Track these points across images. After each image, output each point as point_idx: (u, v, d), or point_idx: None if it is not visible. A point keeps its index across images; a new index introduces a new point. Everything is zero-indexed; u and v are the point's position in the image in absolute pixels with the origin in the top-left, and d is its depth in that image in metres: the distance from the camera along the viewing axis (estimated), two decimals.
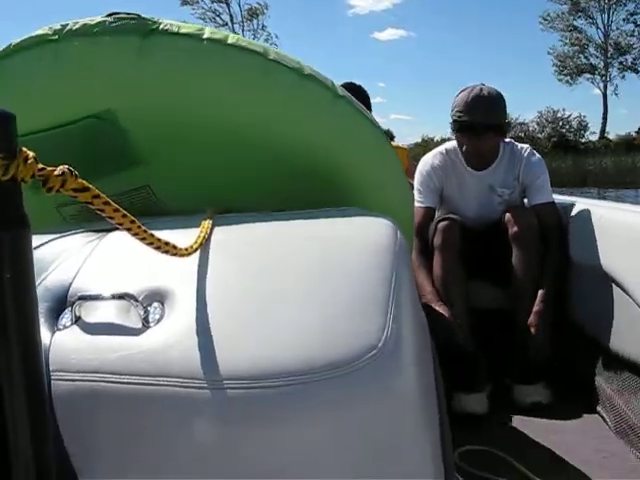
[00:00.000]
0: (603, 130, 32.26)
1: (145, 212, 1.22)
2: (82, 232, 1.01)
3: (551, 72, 34.26)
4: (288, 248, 0.87)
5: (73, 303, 0.77)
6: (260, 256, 0.86)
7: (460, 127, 2.09)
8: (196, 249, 0.83)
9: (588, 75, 32.70)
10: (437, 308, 1.94)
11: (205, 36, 1.15)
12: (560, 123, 31.04)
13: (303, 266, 0.82)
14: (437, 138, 33.57)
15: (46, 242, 0.95)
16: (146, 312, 0.74)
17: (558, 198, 2.26)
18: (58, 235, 0.99)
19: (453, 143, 2.21)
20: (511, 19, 55.71)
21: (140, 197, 1.25)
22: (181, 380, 0.66)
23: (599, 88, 32.68)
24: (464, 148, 2.13)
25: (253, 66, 1.16)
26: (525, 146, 2.21)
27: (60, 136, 1.13)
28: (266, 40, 35.21)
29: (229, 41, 1.16)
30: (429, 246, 2.06)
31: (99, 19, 1.15)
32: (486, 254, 2.06)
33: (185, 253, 0.80)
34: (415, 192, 2.16)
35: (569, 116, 31.65)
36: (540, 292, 1.99)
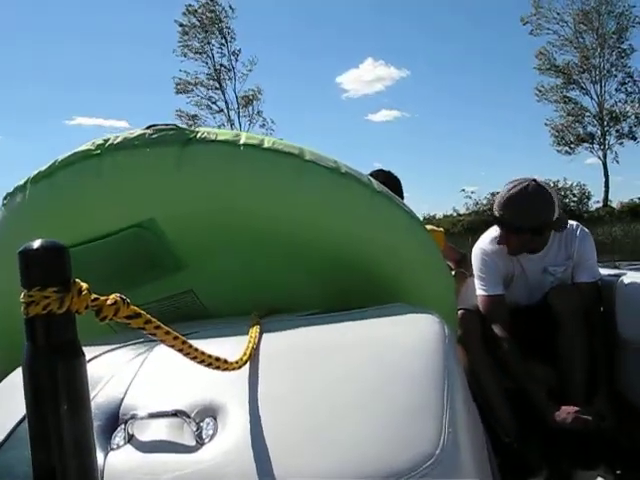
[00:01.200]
0: (606, 198, 32.11)
1: (190, 315, 1.22)
2: (130, 345, 1.00)
3: (549, 143, 34.58)
4: (338, 355, 0.87)
5: (126, 421, 0.75)
6: (310, 366, 0.85)
7: (503, 226, 2.05)
8: (246, 361, 0.83)
9: (587, 144, 33.03)
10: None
11: (241, 142, 1.17)
12: (563, 193, 30.86)
13: (355, 374, 0.81)
14: (439, 215, 33.53)
15: (95, 357, 0.94)
16: (199, 428, 0.73)
17: (604, 272, 2.22)
18: (106, 349, 0.98)
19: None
20: (505, 93, 57.44)
21: (184, 301, 1.25)
22: None
23: (598, 157, 32.78)
24: (509, 248, 2.09)
25: (290, 168, 1.17)
26: (574, 223, 2.19)
27: (107, 246, 1.14)
28: (262, 125, 35.54)
29: (265, 145, 1.18)
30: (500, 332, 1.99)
31: (139, 132, 1.18)
32: (532, 333, 2.01)
33: (235, 366, 0.79)
34: (477, 281, 2.13)
35: (570, 185, 31.65)
36: (592, 367, 1.93)
